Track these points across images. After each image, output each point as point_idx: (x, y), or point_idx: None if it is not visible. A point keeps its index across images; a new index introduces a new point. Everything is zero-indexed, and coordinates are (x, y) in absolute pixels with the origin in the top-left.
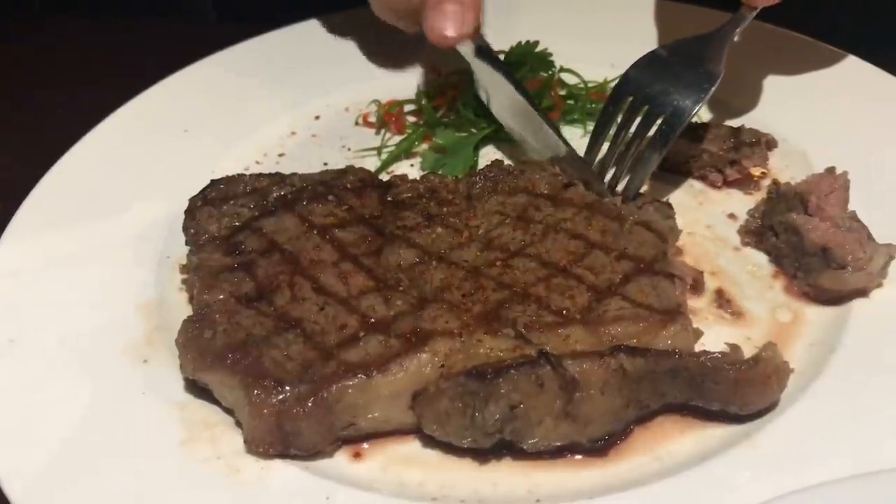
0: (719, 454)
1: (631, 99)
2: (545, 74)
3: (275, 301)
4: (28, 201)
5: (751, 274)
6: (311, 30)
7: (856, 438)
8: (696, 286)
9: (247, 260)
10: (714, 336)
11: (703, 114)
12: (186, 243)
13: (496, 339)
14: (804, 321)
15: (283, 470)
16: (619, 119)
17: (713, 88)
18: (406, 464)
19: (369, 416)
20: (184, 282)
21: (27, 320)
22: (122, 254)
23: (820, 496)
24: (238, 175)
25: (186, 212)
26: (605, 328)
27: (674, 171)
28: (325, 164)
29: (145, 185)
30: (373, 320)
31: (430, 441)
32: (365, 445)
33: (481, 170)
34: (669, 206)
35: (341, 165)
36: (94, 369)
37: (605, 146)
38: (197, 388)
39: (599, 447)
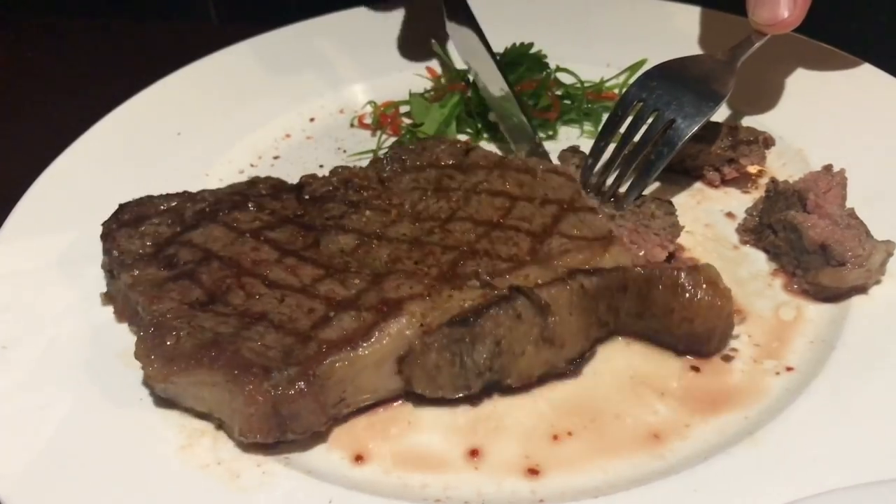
0: (721, 452)
1: (639, 107)
2: (541, 75)
3: (231, 301)
4: (21, 204)
5: (750, 272)
6: (305, 31)
7: (857, 434)
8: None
9: (185, 270)
10: None
11: None
12: (107, 267)
13: (464, 292)
14: (804, 318)
15: (284, 475)
16: (623, 126)
17: (717, 108)
18: (408, 466)
19: (357, 387)
20: (107, 303)
21: (22, 324)
22: None
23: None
24: (147, 196)
25: (102, 236)
26: (557, 261)
27: (672, 170)
28: (321, 166)
29: (138, 189)
30: (338, 300)
31: (431, 439)
32: (370, 445)
33: (385, 154)
34: (670, 203)
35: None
36: (90, 374)
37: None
38: None
39: (574, 369)
